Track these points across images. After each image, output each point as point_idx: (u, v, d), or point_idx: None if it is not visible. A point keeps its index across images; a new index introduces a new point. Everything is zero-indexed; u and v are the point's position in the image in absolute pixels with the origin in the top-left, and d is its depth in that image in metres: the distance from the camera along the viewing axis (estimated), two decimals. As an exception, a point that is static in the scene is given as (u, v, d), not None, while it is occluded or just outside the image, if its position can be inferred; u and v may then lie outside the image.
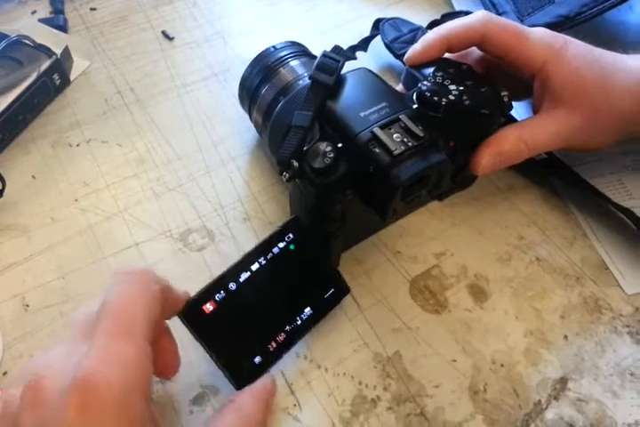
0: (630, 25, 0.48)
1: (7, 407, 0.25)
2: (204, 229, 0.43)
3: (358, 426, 0.34)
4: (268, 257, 0.35)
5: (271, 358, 0.34)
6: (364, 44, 0.53)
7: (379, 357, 0.37)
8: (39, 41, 0.50)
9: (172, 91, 0.52)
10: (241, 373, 0.33)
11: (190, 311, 0.32)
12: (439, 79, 0.36)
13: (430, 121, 0.34)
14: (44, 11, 0.58)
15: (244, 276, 0.34)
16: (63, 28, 0.56)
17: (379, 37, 0.53)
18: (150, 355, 0.26)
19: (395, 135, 0.32)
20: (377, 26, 0.53)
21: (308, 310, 0.36)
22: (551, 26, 0.45)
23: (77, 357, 0.25)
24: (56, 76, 0.50)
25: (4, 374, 0.36)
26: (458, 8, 0.57)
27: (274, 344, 0.34)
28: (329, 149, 0.32)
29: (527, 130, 0.38)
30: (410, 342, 0.38)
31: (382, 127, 0.33)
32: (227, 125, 0.49)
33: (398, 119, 0.33)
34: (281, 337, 0.35)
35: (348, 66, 0.37)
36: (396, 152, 0.32)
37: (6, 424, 0.25)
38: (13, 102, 0.46)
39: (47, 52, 0.50)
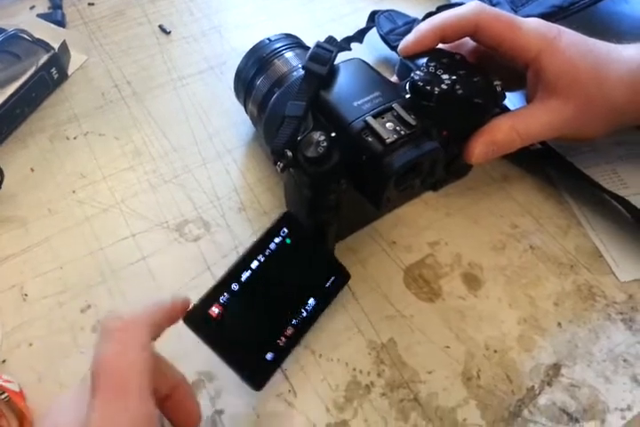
0: (624, 15, 0.48)
1: None
2: (200, 219, 0.43)
3: (352, 411, 0.35)
4: (267, 253, 0.34)
5: (282, 353, 0.34)
6: (359, 36, 0.53)
7: (373, 344, 0.37)
8: (37, 36, 0.51)
9: (169, 84, 0.52)
10: (255, 372, 0.33)
11: (197, 318, 0.31)
12: (432, 69, 0.36)
13: (423, 110, 0.34)
14: (43, 6, 0.58)
15: (246, 275, 0.33)
16: (61, 23, 0.56)
17: (374, 29, 0.53)
18: (154, 407, 0.26)
19: (387, 124, 0.33)
20: (372, 18, 0.54)
21: (312, 301, 0.36)
22: (545, 16, 0.45)
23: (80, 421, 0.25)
24: (54, 71, 0.50)
25: (3, 362, 0.37)
26: (453, 0, 0.57)
27: (283, 339, 0.34)
28: (322, 138, 0.32)
29: (520, 119, 0.38)
30: (404, 330, 0.38)
31: (375, 116, 0.33)
32: (223, 118, 0.50)
33: (391, 108, 0.33)
34: (289, 331, 0.35)
35: (344, 57, 0.37)
36: (389, 140, 0.32)
37: None
38: (11, 96, 0.47)
39: (45, 46, 0.50)
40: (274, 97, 0.40)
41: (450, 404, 0.35)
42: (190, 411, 0.32)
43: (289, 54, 0.42)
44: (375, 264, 0.41)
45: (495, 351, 0.37)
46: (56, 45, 0.50)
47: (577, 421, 0.34)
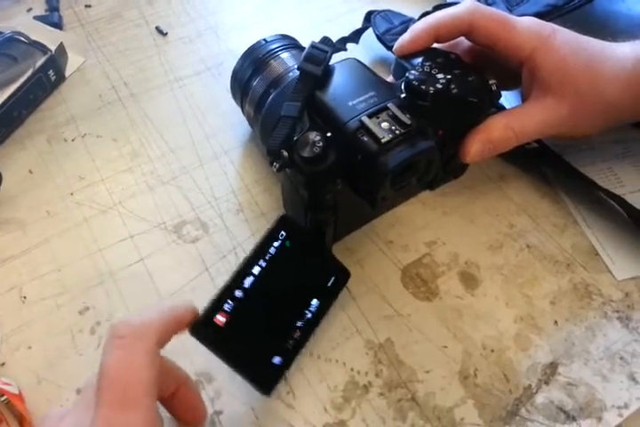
0: (620, 14, 0.48)
1: None
2: (197, 220, 0.43)
3: (350, 412, 0.35)
4: (267, 258, 0.34)
5: (289, 356, 0.34)
6: (355, 36, 0.53)
7: (370, 343, 0.37)
8: (34, 38, 0.51)
9: (166, 85, 0.52)
10: (264, 377, 0.33)
11: (203, 327, 0.31)
12: (427, 68, 0.36)
13: (418, 110, 0.34)
14: (40, 8, 0.58)
15: (248, 281, 0.33)
16: (58, 26, 0.57)
17: (371, 30, 0.53)
18: (159, 417, 0.26)
19: (383, 124, 0.33)
20: (368, 18, 0.54)
21: (315, 302, 0.36)
22: (540, 15, 0.45)
23: None
24: (51, 73, 0.51)
25: (3, 364, 0.37)
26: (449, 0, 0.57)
27: (290, 342, 0.34)
28: (318, 138, 0.32)
29: (515, 118, 0.38)
30: (401, 329, 0.38)
31: (370, 116, 0.33)
32: (220, 119, 0.50)
33: (386, 108, 0.33)
34: (295, 334, 0.35)
35: (340, 57, 0.37)
36: (384, 140, 0.32)
37: None
38: (9, 98, 0.47)
39: (42, 48, 0.50)
40: (270, 98, 0.40)
41: (447, 403, 0.35)
42: (196, 408, 0.33)
43: (285, 55, 0.43)
44: (372, 264, 0.41)
45: (492, 351, 0.37)
46: (53, 47, 0.50)
47: (574, 419, 0.35)
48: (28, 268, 0.41)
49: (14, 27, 0.51)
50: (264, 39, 0.44)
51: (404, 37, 0.39)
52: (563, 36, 0.38)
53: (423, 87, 0.35)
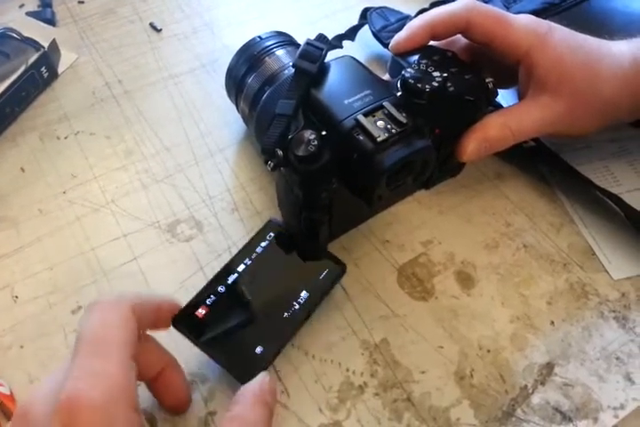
0: (617, 11, 0.48)
1: None
2: (192, 219, 0.43)
3: (345, 412, 0.35)
4: (253, 257, 0.36)
5: (272, 347, 0.34)
6: (351, 33, 0.53)
7: (366, 344, 0.37)
8: (27, 34, 0.50)
9: (160, 82, 0.52)
10: (243, 368, 0.33)
11: (182, 319, 0.33)
12: (423, 66, 0.36)
13: (415, 108, 0.34)
14: (32, 4, 0.58)
15: (232, 278, 0.35)
16: (51, 22, 0.56)
17: (367, 27, 0.53)
18: (134, 368, 0.27)
19: (378, 122, 0.32)
20: (365, 15, 0.53)
21: (304, 294, 0.36)
22: (537, 13, 0.45)
23: (63, 380, 0.25)
24: (44, 69, 0.50)
25: (-6, 364, 0.36)
26: (446, -4, 0.57)
27: (273, 333, 0.35)
28: (313, 136, 0.32)
29: (512, 116, 0.38)
30: (397, 329, 0.38)
31: (366, 114, 0.33)
32: (215, 116, 0.49)
33: (382, 106, 0.33)
34: (279, 324, 0.35)
35: (336, 55, 0.37)
36: (380, 139, 0.32)
37: None
38: (1, 95, 0.46)
39: (35, 45, 0.50)
40: (265, 95, 0.40)
41: (443, 404, 0.35)
42: (179, 391, 0.33)
43: (280, 52, 0.42)
44: (368, 263, 0.41)
45: (488, 351, 0.37)
46: (46, 44, 0.50)
47: (570, 420, 0.34)
48: (21, 267, 0.41)
49: (6, 23, 0.51)
50: (259, 36, 0.43)
51: (401, 35, 0.38)
52: (559, 34, 0.38)
53: (419, 85, 0.34)
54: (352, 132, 0.32)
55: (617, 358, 0.37)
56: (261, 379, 0.31)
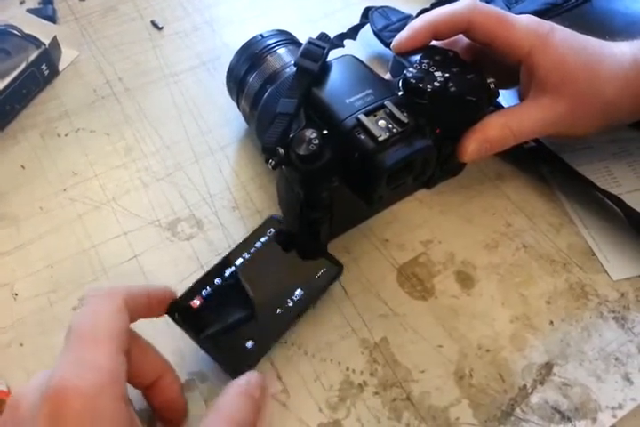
0: (618, 12, 0.48)
1: None
2: (192, 217, 0.43)
3: (345, 411, 0.35)
4: (251, 251, 0.36)
5: (262, 343, 0.34)
6: (352, 33, 0.53)
7: (366, 343, 0.37)
8: (27, 31, 0.50)
9: (161, 80, 0.52)
10: (233, 361, 0.34)
11: (176, 309, 0.33)
12: (425, 66, 0.36)
13: (416, 108, 0.34)
14: (33, 1, 0.58)
15: (229, 271, 0.35)
16: (52, 19, 0.56)
17: (368, 26, 0.53)
18: (123, 359, 0.27)
19: (380, 122, 0.33)
20: (366, 14, 0.53)
21: (299, 292, 0.36)
22: (539, 13, 0.45)
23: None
24: (44, 67, 0.50)
25: (-6, 362, 0.37)
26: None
27: (264, 328, 0.35)
28: (314, 135, 0.32)
29: (513, 117, 0.38)
30: (397, 329, 0.38)
31: (367, 114, 0.33)
32: (215, 115, 0.49)
33: (383, 106, 0.33)
34: (271, 320, 0.35)
35: (337, 54, 0.37)
36: (381, 138, 0.32)
37: None
38: (1, 92, 0.46)
39: (35, 42, 0.50)
40: (266, 94, 0.40)
41: (442, 403, 0.35)
42: (174, 400, 0.33)
43: (282, 51, 0.42)
44: (368, 263, 0.41)
45: (488, 351, 0.37)
46: (47, 41, 0.50)
47: (569, 419, 0.34)
48: (21, 264, 0.41)
49: (7, 20, 0.51)
50: (260, 34, 0.43)
51: (402, 34, 0.38)
52: (561, 35, 0.38)
53: (421, 85, 0.34)
54: (353, 132, 0.32)
55: (616, 359, 0.37)
56: (250, 373, 0.31)
